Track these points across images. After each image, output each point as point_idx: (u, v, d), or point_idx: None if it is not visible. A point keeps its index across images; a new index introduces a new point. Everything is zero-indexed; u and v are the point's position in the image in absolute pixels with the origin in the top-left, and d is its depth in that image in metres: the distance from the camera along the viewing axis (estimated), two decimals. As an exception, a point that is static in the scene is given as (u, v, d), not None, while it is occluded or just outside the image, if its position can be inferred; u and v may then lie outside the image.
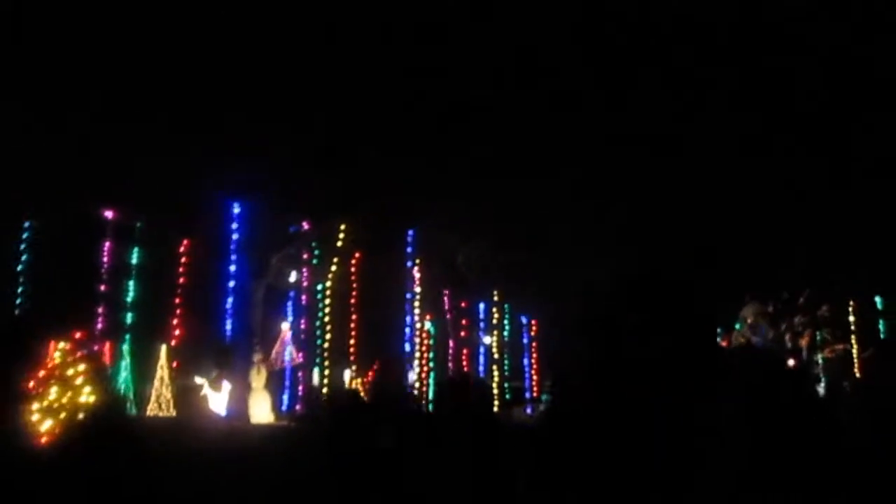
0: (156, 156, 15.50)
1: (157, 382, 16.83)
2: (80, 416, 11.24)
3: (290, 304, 17.08)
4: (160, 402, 16.94)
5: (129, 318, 15.45)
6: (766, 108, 18.69)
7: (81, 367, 11.46)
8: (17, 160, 14.51)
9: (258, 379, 15.45)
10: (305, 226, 17.12)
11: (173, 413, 16.16)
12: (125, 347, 15.44)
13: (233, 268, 15.27)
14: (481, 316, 23.52)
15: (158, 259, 15.74)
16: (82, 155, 15.02)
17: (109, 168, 15.29)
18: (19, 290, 14.84)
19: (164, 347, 16.31)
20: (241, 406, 14.89)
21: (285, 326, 18.65)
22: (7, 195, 14.67)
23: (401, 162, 18.95)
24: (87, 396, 11.40)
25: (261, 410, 15.29)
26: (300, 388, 16.91)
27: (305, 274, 17.28)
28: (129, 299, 15.48)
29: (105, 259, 15.17)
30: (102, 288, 15.16)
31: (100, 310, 15.02)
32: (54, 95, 14.93)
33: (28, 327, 11.78)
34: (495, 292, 23.41)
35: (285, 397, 16.47)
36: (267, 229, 15.92)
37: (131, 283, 15.55)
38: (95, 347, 14.67)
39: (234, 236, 15.35)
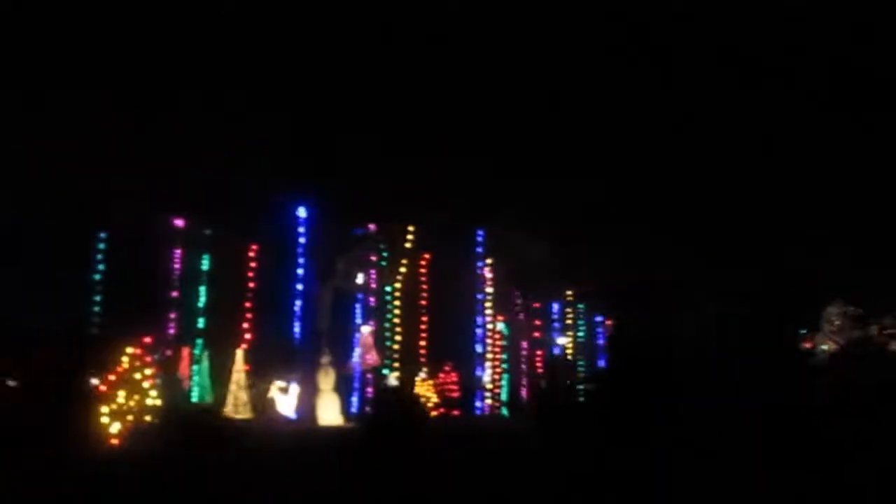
0: (223, 163, 15.78)
1: (232, 386, 17.13)
2: (147, 418, 11.50)
3: (358, 306, 17.05)
4: (237, 404, 17.25)
5: (200, 322, 15.72)
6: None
7: (148, 371, 11.71)
8: (92, 173, 15.01)
9: (326, 381, 15.49)
10: (371, 228, 17.09)
11: (248, 416, 16.43)
12: (199, 352, 15.71)
13: (300, 271, 15.34)
14: (555, 316, 23.07)
15: (228, 265, 15.98)
16: (153, 166, 15.43)
17: (179, 178, 15.65)
18: (94, 297, 15.31)
19: (239, 351, 16.59)
20: (309, 408, 14.95)
21: (366, 329, 18.67)
22: (83, 207, 15.20)
23: (468, 162, 18.76)
24: (154, 400, 11.64)
25: (329, 413, 15.32)
26: (369, 389, 16.85)
27: (373, 276, 17.25)
28: (200, 304, 15.74)
29: (176, 266, 15.48)
30: (174, 294, 15.46)
31: (171, 315, 15.31)
32: (126, 110, 15.37)
33: (96, 334, 12.09)
34: (569, 292, 22.92)
35: (354, 399, 16.44)
36: (333, 233, 15.96)
37: (202, 288, 15.82)
38: (167, 352, 15.05)
39: (301, 240, 15.41)
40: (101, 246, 15.45)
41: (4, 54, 13.87)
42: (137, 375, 11.50)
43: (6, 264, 13.72)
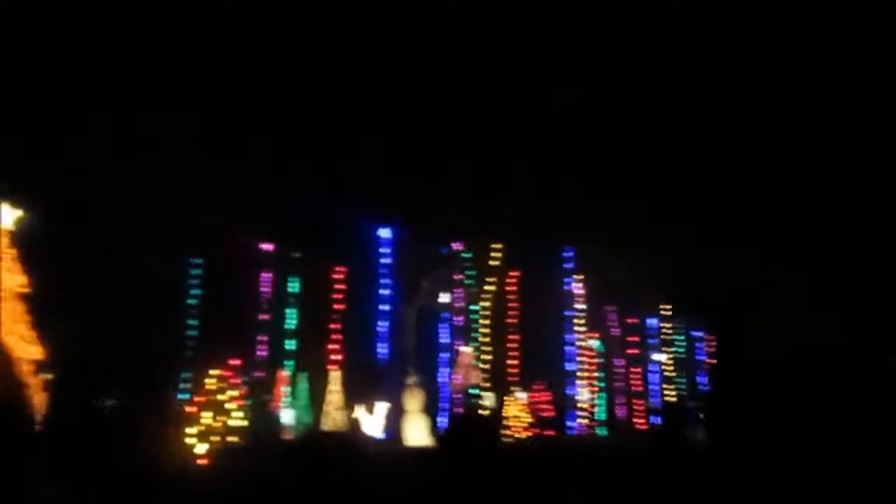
0: (307, 187, 16.10)
1: (328, 407, 17.39)
2: (232, 439, 11.78)
3: (444, 325, 17.00)
4: (334, 426, 17.48)
5: (290, 345, 16.01)
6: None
7: (234, 392, 12.01)
8: (186, 201, 15.61)
9: (412, 402, 15.48)
10: (456, 246, 17.04)
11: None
12: (292, 374, 16.01)
13: (385, 292, 15.43)
14: (651, 332, 22.34)
15: (316, 287, 16.25)
16: (243, 192, 15.90)
17: (268, 203, 16.07)
18: (189, 321, 15.83)
19: (334, 373, 16.84)
20: (396, 429, 14.97)
21: (466, 350, 18.61)
22: (176, 234, 15.79)
23: (554, 179, 18.48)
24: (239, 421, 11.92)
25: (416, 433, 15.29)
26: (459, 410, 16.73)
27: (459, 295, 17.17)
28: (289, 327, 16.05)
29: (265, 290, 15.85)
30: (264, 317, 15.83)
31: (262, 338, 15.66)
32: (213, 138, 15.93)
33: (188, 357, 12.46)
34: (666, 307, 22.16)
35: (443, 420, 16.35)
36: (416, 253, 16.00)
37: (292, 311, 16.13)
38: (256, 374, 15.40)
39: (385, 261, 15.50)
40: (196, 272, 15.94)
41: (96, 79, 14.58)
42: (222, 397, 11.81)
43: (106, 290, 14.35)
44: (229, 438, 11.56)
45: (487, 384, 17.24)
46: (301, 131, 16.47)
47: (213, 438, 11.45)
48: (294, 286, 16.25)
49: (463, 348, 18.55)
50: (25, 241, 13.13)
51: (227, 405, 11.82)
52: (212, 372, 11.97)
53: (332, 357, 16.23)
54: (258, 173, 16.11)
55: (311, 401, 17.88)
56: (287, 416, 17.77)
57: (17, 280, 12.86)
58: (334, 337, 16.29)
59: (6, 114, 14.22)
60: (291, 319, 16.14)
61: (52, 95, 14.80)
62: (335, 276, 16.55)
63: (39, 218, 13.35)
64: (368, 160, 16.67)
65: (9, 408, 11.68)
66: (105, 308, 14.32)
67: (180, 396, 13.38)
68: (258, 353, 15.73)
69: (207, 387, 11.96)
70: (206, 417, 11.60)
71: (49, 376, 12.24)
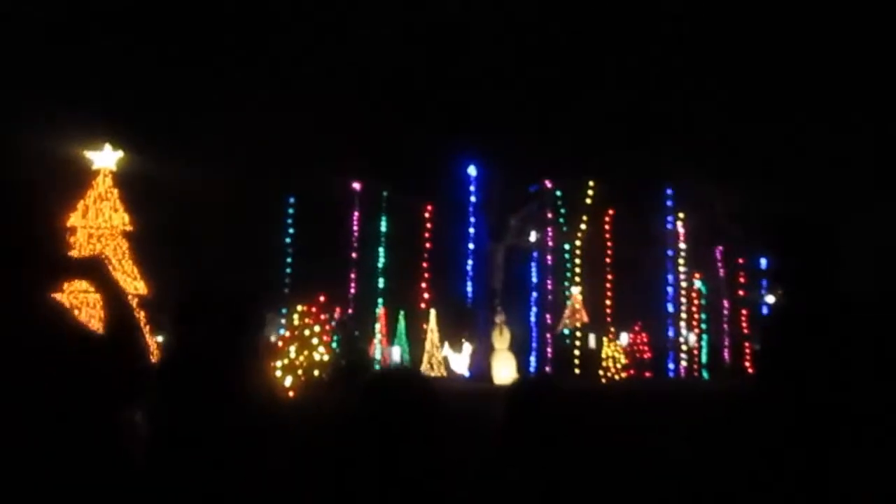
0: (399, 125, 16.10)
1: (427, 345, 17.67)
2: (316, 373, 12.12)
3: (534, 265, 16.77)
4: (432, 363, 17.77)
5: (380, 283, 16.24)
6: None
7: (318, 328, 12.30)
8: (279, 144, 15.94)
9: (501, 340, 15.41)
10: (547, 184, 16.66)
11: (442, 374, 16.89)
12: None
13: (472, 230, 15.33)
14: (763, 272, 21.25)
15: (404, 226, 16.34)
16: (334, 132, 16.07)
17: (357, 142, 16.19)
18: (285, 259, 16.32)
19: (433, 312, 17.04)
20: (485, 367, 14.99)
21: (576, 290, 18.36)
22: (273, 174, 16.19)
23: (650, 110, 17.69)
24: (322, 356, 12.23)
25: (505, 371, 15.26)
26: (549, 350, 16.59)
27: (550, 234, 16.86)
28: (379, 265, 16.26)
29: (355, 228, 16.07)
30: (353, 255, 16.09)
31: (352, 276, 15.95)
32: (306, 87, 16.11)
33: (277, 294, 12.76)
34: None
35: (532, 359, 16.25)
36: (505, 190, 15.75)
37: (381, 249, 16.31)
38: (349, 311, 15.75)
39: (472, 199, 15.36)
40: (290, 210, 16.32)
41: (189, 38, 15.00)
42: (307, 332, 12.13)
43: (207, 230, 14.95)
44: (314, 372, 11.88)
45: (583, 325, 16.95)
46: (391, 71, 16.44)
47: (297, 373, 11.81)
48: (382, 225, 16.40)
49: (574, 289, 18.25)
50: (129, 182, 13.81)
51: (313, 340, 12.13)
52: (298, 308, 12.27)
53: (422, 296, 16.38)
54: (347, 114, 16.24)
55: (409, 339, 18.24)
56: (392, 352, 18.15)
57: (121, 218, 13.58)
58: (424, 276, 16.40)
59: (111, 64, 14.91)
60: (381, 258, 16.33)
61: (152, 43, 15.38)
62: (424, 215, 16.56)
63: (141, 158, 13.98)
64: (458, 97, 16.47)
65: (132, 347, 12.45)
66: (205, 245, 14.95)
67: (280, 332, 13.87)
68: (349, 290, 16.06)
69: (294, 322, 12.30)
70: (291, 351, 11.98)
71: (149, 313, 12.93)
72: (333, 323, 13.94)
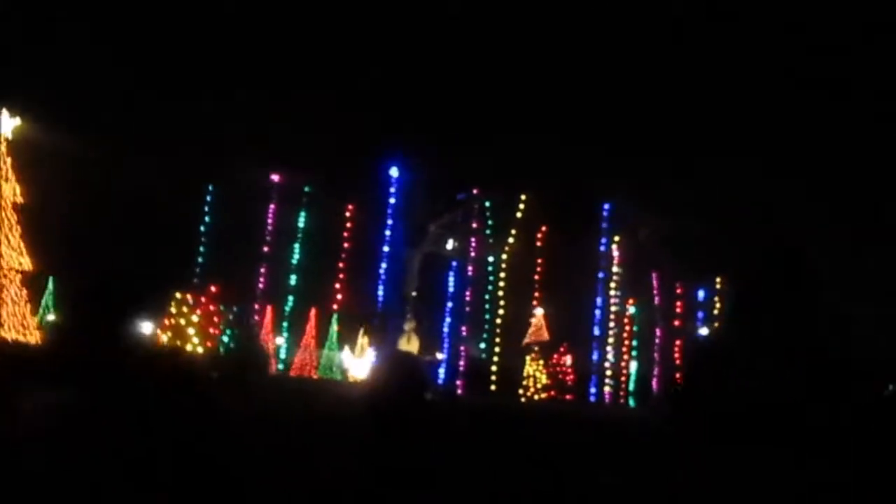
0: (327, 121, 15.63)
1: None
2: (183, 362, 11.58)
3: (451, 274, 16.27)
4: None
5: (292, 280, 15.73)
6: None
7: (194, 318, 11.79)
8: (200, 129, 15.43)
9: (408, 348, 14.92)
10: (476, 193, 16.22)
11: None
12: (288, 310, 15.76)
13: (388, 234, 14.86)
14: (699, 304, 20.85)
15: (323, 224, 15.85)
16: (257, 124, 15.58)
17: (282, 136, 15.69)
18: (199, 248, 15.78)
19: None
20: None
21: (539, 312, 17.73)
22: (193, 161, 15.65)
23: (592, 129, 17.31)
24: (196, 347, 11.72)
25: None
26: (461, 363, 16.08)
27: (473, 244, 16.37)
28: (293, 261, 15.76)
29: (270, 221, 15.58)
30: (266, 249, 15.59)
31: (262, 270, 15.44)
32: (235, 73, 15.65)
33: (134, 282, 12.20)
34: (717, 278, 20.56)
35: (441, 371, 15.73)
36: (428, 196, 15.29)
37: (296, 246, 15.82)
38: (255, 305, 15.21)
39: (392, 201, 14.90)
40: (208, 199, 15.82)
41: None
42: (183, 321, 11.63)
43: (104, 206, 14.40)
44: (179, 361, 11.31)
45: (497, 339, 16.45)
46: (319, 64, 16.02)
47: (161, 361, 11.22)
48: (300, 220, 15.90)
49: (537, 310, 17.59)
50: (24, 151, 13.26)
51: (189, 330, 11.62)
52: (177, 295, 11.76)
53: (335, 297, 15.88)
54: (275, 105, 15.78)
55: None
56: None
57: (12, 189, 13.04)
58: (339, 276, 15.91)
59: (18, 24, 14.39)
60: (295, 254, 15.83)
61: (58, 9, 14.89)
62: (344, 214, 16.08)
63: (41, 128, 13.41)
64: (387, 96, 16.05)
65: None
66: (104, 225, 14.40)
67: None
68: (258, 284, 15.55)
69: (172, 309, 11.80)
70: (164, 339, 11.46)
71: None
72: (232, 317, 13.43)
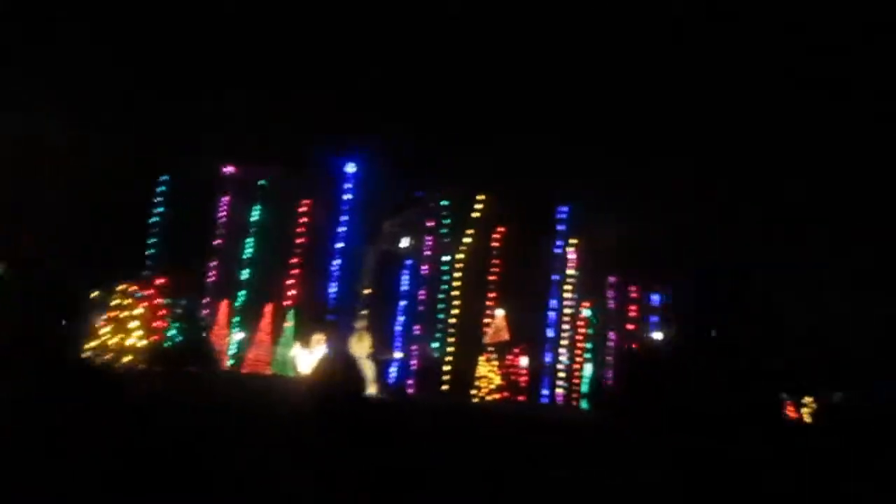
0: (282, 113, 15.43)
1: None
2: (128, 358, 11.37)
3: (406, 273, 16.20)
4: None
5: (244, 274, 15.54)
6: None
7: (136, 311, 11.57)
8: (155, 118, 15.13)
9: (359, 346, 14.76)
10: (434, 192, 16.15)
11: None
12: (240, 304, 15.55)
13: (342, 230, 14.73)
14: (655, 306, 20.99)
15: (278, 218, 15.67)
16: (213, 114, 15.33)
17: (238, 126, 15.47)
18: (150, 240, 15.50)
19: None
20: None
21: (500, 313, 17.67)
22: (147, 151, 15.35)
23: (553, 129, 17.30)
24: (139, 340, 11.50)
25: (359, 379, 14.63)
26: (414, 362, 16.02)
27: (429, 243, 16.31)
28: (245, 256, 15.56)
29: (223, 215, 15.36)
30: (217, 243, 15.37)
31: (213, 264, 15.23)
32: (187, 61, 15.34)
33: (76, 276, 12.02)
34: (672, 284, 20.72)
35: (393, 370, 15.66)
36: (385, 193, 15.19)
37: (250, 240, 15.62)
38: (204, 299, 14.98)
39: (347, 197, 14.77)
40: (162, 189, 15.55)
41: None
42: (124, 315, 11.40)
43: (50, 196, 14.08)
44: (125, 358, 11.13)
45: (450, 339, 16.42)
46: (274, 58, 15.80)
47: (108, 356, 11.05)
48: (255, 214, 15.71)
49: (498, 311, 17.59)
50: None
51: (129, 324, 11.40)
52: (119, 288, 11.52)
53: (288, 293, 15.70)
54: (232, 96, 15.54)
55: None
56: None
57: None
58: (292, 272, 15.73)
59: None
60: (248, 248, 15.63)
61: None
62: (300, 209, 15.92)
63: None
64: (347, 90, 15.90)
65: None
66: (48, 214, 14.07)
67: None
68: (208, 279, 15.34)
69: (115, 303, 11.56)
70: (105, 334, 11.24)
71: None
72: (179, 310, 13.20)
